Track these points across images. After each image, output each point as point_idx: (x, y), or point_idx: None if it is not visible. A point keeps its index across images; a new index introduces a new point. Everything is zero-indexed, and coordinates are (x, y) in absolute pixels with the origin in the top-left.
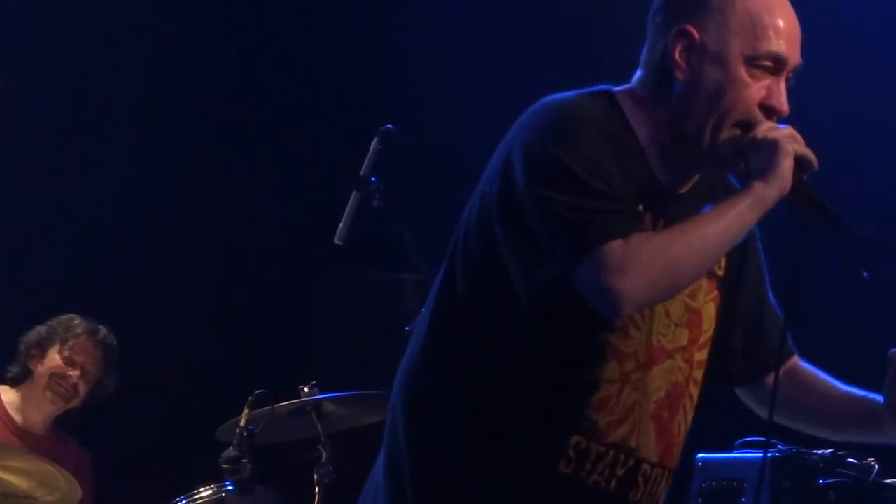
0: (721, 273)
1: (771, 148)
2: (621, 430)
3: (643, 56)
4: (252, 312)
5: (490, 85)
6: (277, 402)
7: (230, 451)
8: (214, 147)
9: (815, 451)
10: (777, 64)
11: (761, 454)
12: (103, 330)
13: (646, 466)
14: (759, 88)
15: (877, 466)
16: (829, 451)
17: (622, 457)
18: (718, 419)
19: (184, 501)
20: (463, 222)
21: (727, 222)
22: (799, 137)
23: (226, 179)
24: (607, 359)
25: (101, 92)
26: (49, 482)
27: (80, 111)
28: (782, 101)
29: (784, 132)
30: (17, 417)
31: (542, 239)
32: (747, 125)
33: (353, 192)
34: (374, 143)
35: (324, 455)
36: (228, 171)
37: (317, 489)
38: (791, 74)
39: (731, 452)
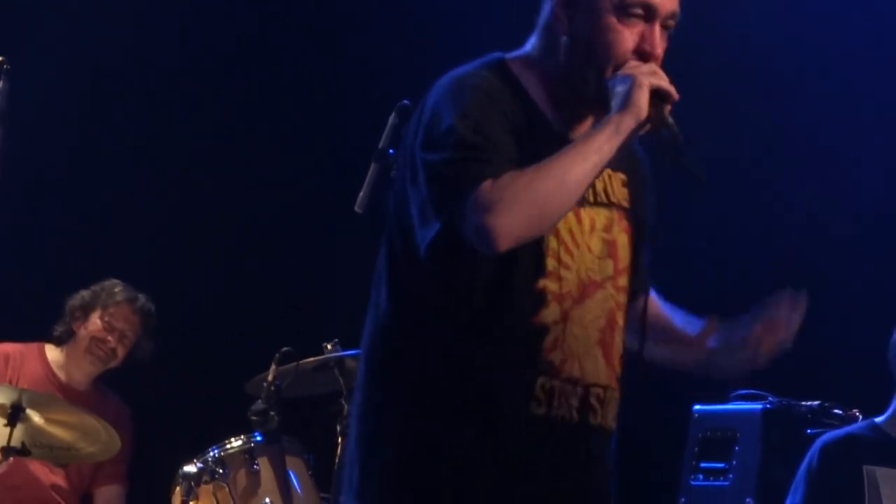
0: (627, 204)
1: (627, 81)
2: (570, 364)
3: (538, 22)
4: (279, 275)
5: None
6: (303, 359)
7: (258, 405)
8: (249, 118)
9: (803, 403)
10: (647, 11)
11: (754, 406)
12: (142, 298)
13: (597, 390)
14: (631, 35)
15: (861, 416)
16: (816, 402)
17: (571, 387)
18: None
19: (215, 451)
20: (397, 189)
21: (587, 153)
22: (660, 73)
23: (258, 149)
24: (549, 302)
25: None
26: (91, 434)
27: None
28: (654, 45)
29: (642, 68)
30: (61, 374)
31: (428, 202)
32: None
33: (373, 164)
34: (391, 118)
35: (345, 408)
36: (261, 142)
37: (339, 439)
38: (670, 23)
39: (725, 404)
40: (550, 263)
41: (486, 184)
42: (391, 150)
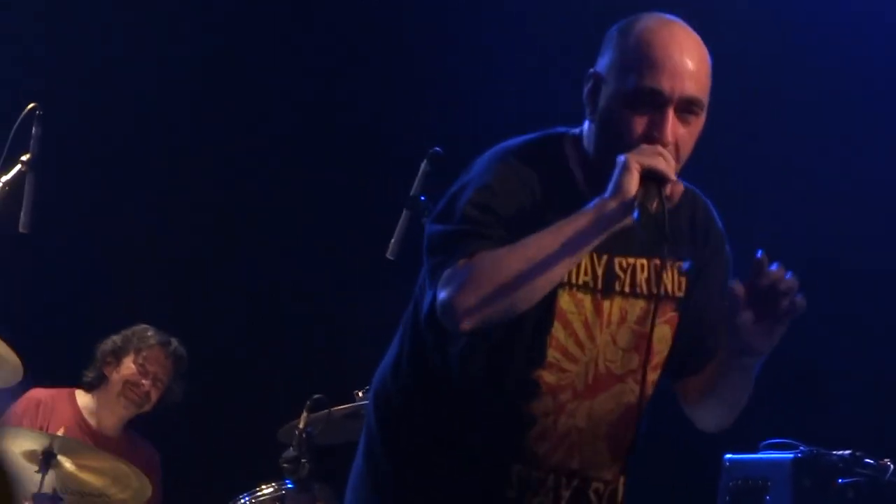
0: (681, 294)
1: (617, 165)
2: (558, 455)
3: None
4: (311, 322)
5: (537, 111)
6: (334, 406)
7: (290, 452)
8: (280, 169)
9: (834, 452)
10: (654, 97)
11: (785, 455)
12: (174, 342)
13: (597, 485)
14: (640, 122)
15: (892, 466)
16: (847, 451)
17: (564, 479)
18: (745, 423)
19: (247, 498)
20: None
21: (564, 236)
22: (661, 153)
23: (289, 196)
24: (542, 394)
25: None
26: (122, 480)
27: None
28: (663, 132)
29: (642, 149)
30: (92, 421)
31: (427, 271)
32: None
33: (404, 211)
34: (423, 165)
35: None
36: (292, 190)
37: None
38: (693, 108)
39: (756, 453)
40: (552, 355)
41: (461, 262)
42: (423, 197)
